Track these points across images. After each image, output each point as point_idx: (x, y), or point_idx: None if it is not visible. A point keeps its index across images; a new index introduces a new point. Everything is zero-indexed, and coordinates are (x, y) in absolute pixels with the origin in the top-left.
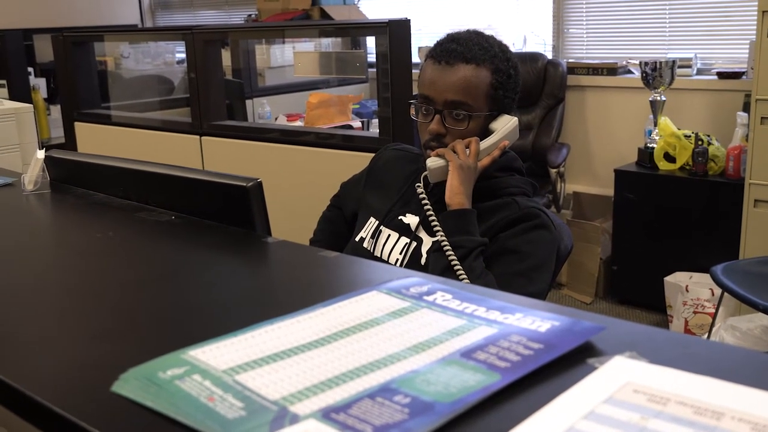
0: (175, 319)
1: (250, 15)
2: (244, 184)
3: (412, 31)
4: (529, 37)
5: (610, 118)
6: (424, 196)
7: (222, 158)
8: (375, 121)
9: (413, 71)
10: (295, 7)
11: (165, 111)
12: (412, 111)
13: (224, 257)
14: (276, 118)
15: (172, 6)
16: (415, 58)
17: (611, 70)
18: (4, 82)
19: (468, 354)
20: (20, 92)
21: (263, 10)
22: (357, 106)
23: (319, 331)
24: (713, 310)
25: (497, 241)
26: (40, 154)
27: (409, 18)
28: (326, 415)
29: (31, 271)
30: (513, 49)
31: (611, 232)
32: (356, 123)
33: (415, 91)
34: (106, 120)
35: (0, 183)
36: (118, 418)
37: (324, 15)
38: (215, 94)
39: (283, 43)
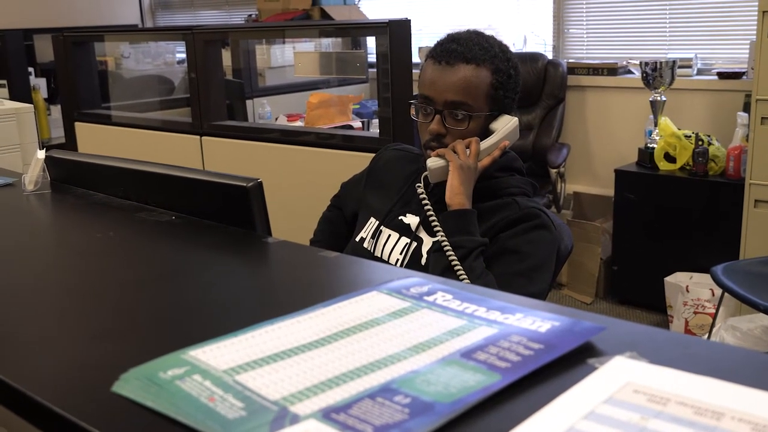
0: (175, 319)
1: (250, 15)
2: (245, 184)
3: (412, 32)
4: (529, 37)
5: (611, 118)
6: (424, 196)
7: (222, 158)
8: (375, 122)
9: (413, 71)
10: (296, 7)
11: (165, 111)
12: (413, 111)
13: (224, 257)
14: (276, 118)
15: (172, 6)
16: (416, 59)
17: (611, 70)
18: (4, 82)
19: (468, 354)
20: (20, 92)
21: (263, 10)
22: (357, 106)
23: (319, 331)
24: (713, 311)
25: (497, 241)
26: (41, 154)
27: (409, 18)
28: (326, 415)
29: (31, 271)
30: (513, 49)
31: (611, 232)
32: (356, 123)
33: (416, 92)
34: (107, 120)
35: (0, 183)
36: (119, 418)
37: (324, 15)
38: (215, 94)
39: (284, 43)
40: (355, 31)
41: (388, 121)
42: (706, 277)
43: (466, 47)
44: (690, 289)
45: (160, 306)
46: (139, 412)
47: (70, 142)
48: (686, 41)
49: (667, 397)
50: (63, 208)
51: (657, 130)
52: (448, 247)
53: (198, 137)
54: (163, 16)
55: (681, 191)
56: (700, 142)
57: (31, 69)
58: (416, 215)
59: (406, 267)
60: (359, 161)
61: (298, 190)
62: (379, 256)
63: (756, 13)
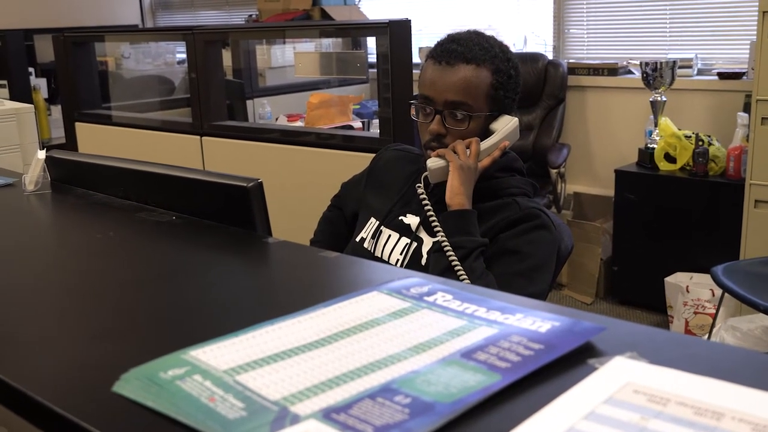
0: (175, 319)
1: (250, 15)
2: (245, 185)
3: (412, 32)
4: (529, 38)
5: (611, 118)
6: (424, 196)
7: (222, 158)
8: (375, 122)
9: (414, 72)
10: (296, 8)
11: (165, 111)
12: (413, 111)
13: (225, 257)
14: (276, 119)
15: (172, 6)
16: (416, 59)
17: (612, 70)
18: (4, 82)
19: (468, 354)
20: (21, 92)
21: (264, 10)
22: (357, 106)
23: (319, 331)
24: (714, 311)
25: (498, 241)
26: (41, 154)
27: (409, 18)
28: (327, 415)
29: (31, 271)
30: (513, 49)
31: (612, 232)
32: (357, 123)
33: (416, 92)
34: (107, 120)
35: (1, 183)
36: (119, 418)
37: (325, 15)
38: (216, 94)
39: (284, 43)
40: (356, 31)
41: (388, 122)
42: (706, 278)
43: (466, 47)
44: (690, 289)
45: (161, 306)
46: (140, 412)
47: (71, 143)
48: (686, 41)
49: (667, 397)
50: (63, 208)
51: (657, 131)
52: (449, 248)
53: (198, 137)
54: (163, 16)
55: (681, 191)
56: (700, 143)
57: (31, 69)
58: (416, 215)
59: (406, 267)
60: (359, 161)
61: (298, 190)
62: (379, 256)
63: (756, 13)
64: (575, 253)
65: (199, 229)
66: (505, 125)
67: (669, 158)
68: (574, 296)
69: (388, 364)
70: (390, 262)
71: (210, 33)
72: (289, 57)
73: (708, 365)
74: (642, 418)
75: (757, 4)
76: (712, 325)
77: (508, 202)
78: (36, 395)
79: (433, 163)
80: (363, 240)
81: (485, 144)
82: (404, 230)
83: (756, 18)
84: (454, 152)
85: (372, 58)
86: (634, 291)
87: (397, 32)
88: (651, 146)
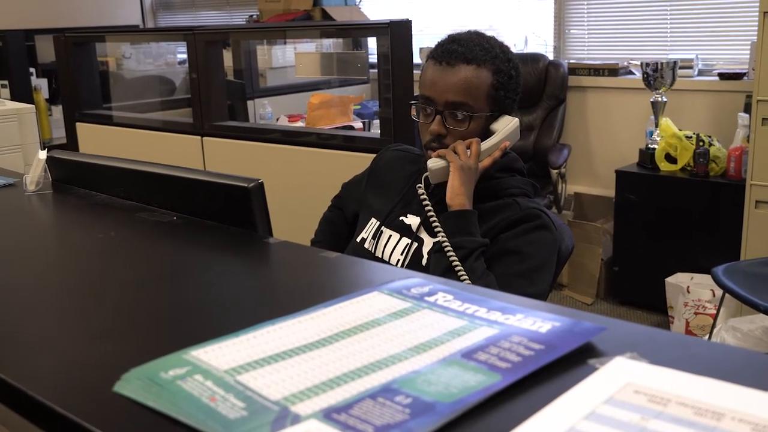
0: (176, 319)
1: (251, 15)
2: (246, 185)
3: (413, 32)
4: (530, 38)
5: (612, 118)
6: (425, 196)
7: (223, 159)
8: (376, 122)
9: (414, 72)
10: (297, 8)
11: (166, 111)
12: (413, 112)
13: (225, 258)
14: (277, 119)
15: (173, 6)
16: (417, 59)
17: (612, 70)
18: (5, 82)
19: (469, 354)
20: (22, 93)
21: (265, 10)
22: (358, 106)
23: (320, 331)
24: (714, 311)
25: (498, 241)
26: (42, 154)
27: (410, 19)
28: (328, 415)
29: (32, 271)
30: (514, 49)
31: (612, 233)
32: (357, 124)
33: (417, 92)
34: (108, 120)
35: (2, 183)
36: (120, 418)
37: (325, 16)
38: (217, 94)
39: (285, 43)
40: (356, 31)
41: (388, 122)
42: (706, 278)
43: (466, 48)
44: (691, 289)
45: (162, 306)
46: (141, 412)
47: (72, 143)
48: (687, 42)
49: (667, 397)
50: (64, 208)
51: (658, 131)
52: (449, 248)
53: (199, 138)
54: (164, 16)
55: (682, 192)
56: (701, 143)
57: (32, 69)
58: (417, 216)
59: (406, 267)
60: (360, 162)
61: (299, 190)
62: (379, 256)
63: (757, 13)
64: (576, 254)
65: (200, 229)
66: (506, 126)
67: (670, 159)
68: (575, 297)
69: (388, 364)
70: (390, 262)
71: (211, 33)
72: (290, 57)
73: (708, 366)
74: (642, 418)
75: (758, 4)
76: (713, 326)
77: (508, 202)
78: (37, 395)
79: (433, 163)
80: (364, 240)
81: (486, 144)
82: (405, 230)
83: (756, 18)
84: (455, 153)
85: (373, 58)
86: (634, 291)
87: (397, 33)
88: (652, 147)
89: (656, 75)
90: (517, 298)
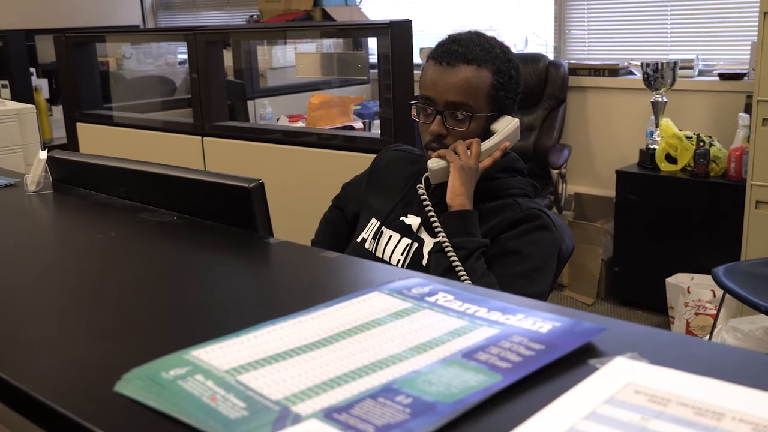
0: (177, 319)
1: (251, 16)
2: (246, 185)
3: (413, 32)
4: (530, 38)
5: (612, 119)
6: (425, 197)
7: (224, 159)
8: (376, 122)
9: (415, 72)
10: (297, 8)
11: (167, 112)
12: (414, 112)
13: (226, 258)
14: (278, 119)
15: (173, 6)
16: (417, 59)
17: (613, 71)
18: (6, 82)
19: (469, 354)
20: (22, 93)
21: (265, 10)
22: (359, 107)
23: (321, 331)
24: (715, 312)
25: (498, 242)
26: (43, 154)
27: (410, 19)
28: (328, 415)
29: (33, 271)
30: (514, 50)
31: (613, 233)
32: (358, 124)
33: (417, 92)
34: (108, 121)
35: (2, 183)
36: (121, 418)
37: (326, 16)
38: (217, 94)
39: (285, 44)
40: (357, 32)
41: (389, 122)
42: (707, 278)
43: (467, 48)
44: (691, 290)
45: (162, 306)
46: (141, 411)
47: (72, 143)
48: (687, 42)
49: (667, 397)
50: (65, 208)
51: (658, 131)
52: (450, 248)
53: (199, 138)
54: (164, 16)
55: (682, 192)
56: (701, 143)
57: (32, 69)
58: (417, 216)
59: (407, 268)
60: (360, 162)
61: (299, 190)
62: (380, 256)
63: (757, 14)
64: (576, 254)
65: (200, 229)
66: (506, 126)
67: (670, 159)
68: (575, 297)
69: (389, 364)
70: (391, 262)
71: (211, 33)
72: (291, 57)
73: (708, 366)
74: (643, 418)
75: (758, 4)
76: (713, 326)
77: (509, 202)
78: (37, 395)
79: (434, 163)
80: (364, 240)
81: (486, 145)
82: (405, 231)
83: (757, 19)
84: (455, 153)
85: (373, 58)
86: (635, 292)
87: (398, 33)
88: (652, 147)
89: (656, 75)
90: (517, 298)
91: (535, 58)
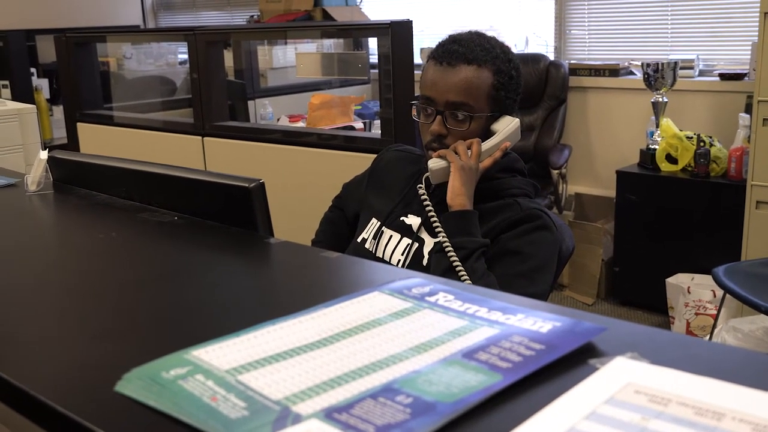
0: (177, 319)
1: (252, 16)
2: (247, 185)
3: (414, 33)
4: (531, 39)
5: (612, 119)
6: (425, 197)
7: (224, 159)
8: (377, 122)
9: (415, 72)
10: (298, 8)
11: (167, 112)
12: (414, 112)
13: (226, 258)
14: (278, 119)
15: (174, 7)
16: (417, 60)
17: (613, 71)
18: (6, 82)
19: (470, 354)
20: (23, 93)
21: (265, 11)
22: (359, 107)
23: (321, 331)
24: (715, 312)
25: (499, 242)
26: (43, 154)
27: (411, 19)
28: (329, 415)
29: (33, 271)
30: (515, 50)
31: (613, 233)
32: (358, 124)
33: (417, 92)
34: (109, 121)
35: (3, 183)
36: (121, 418)
37: (326, 16)
38: (217, 94)
39: (286, 44)
40: (357, 32)
41: (389, 122)
42: (707, 279)
43: (467, 48)
44: (691, 290)
45: (162, 306)
46: (142, 411)
47: (73, 143)
48: (688, 42)
49: (668, 397)
50: (65, 208)
51: (659, 132)
52: (450, 248)
53: (200, 138)
54: (165, 16)
55: (682, 192)
56: (701, 144)
57: (33, 70)
58: (418, 216)
59: (407, 268)
60: (361, 162)
61: (299, 190)
62: (380, 256)
63: (757, 14)
64: (576, 254)
65: (201, 229)
66: (507, 126)
67: (670, 159)
68: (576, 297)
69: (389, 364)
70: (391, 262)
71: (212, 33)
72: (291, 58)
73: (709, 366)
74: (643, 418)
75: (759, 5)
76: (714, 326)
77: (509, 202)
78: (38, 394)
79: (434, 163)
80: (364, 240)
81: (486, 145)
82: (405, 231)
83: (757, 19)
84: (456, 153)
85: (373, 58)
86: (635, 292)
87: (398, 33)
88: (652, 147)
89: (657, 75)
90: (517, 298)
91: (536, 58)
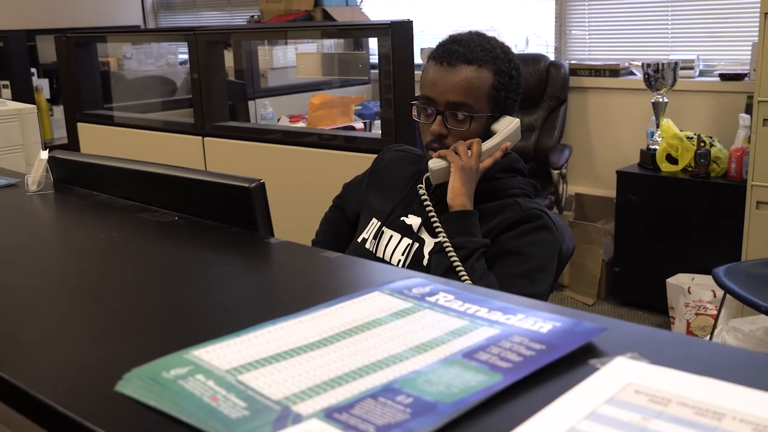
0: (177, 319)
1: (252, 16)
2: (247, 185)
3: (414, 33)
4: (531, 39)
5: (613, 119)
6: (426, 197)
7: (224, 159)
8: (377, 122)
9: (415, 72)
10: (298, 8)
11: (168, 112)
12: (414, 112)
13: (227, 258)
14: (278, 119)
15: (174, 7)
16: (418, 60)
17: (613, 71)
18: (7, 82)
19: (470, 354)
20: (23, 93)
21: (266, 11)
22: (359, 107)
23: (321, 331)
24: (715, 312)
25: (499, 242)
26: (44, 154)
27: (411, 19)
28: (329, 414)
29: (34, 272)
30: (515, 50)
31: (613, 233)
32: (358, 124)
33: (418, 93)
34: (109, 121)
35: (3, 183)
36: (121, 418)
37: (326, 16)
38: (218, 95)
39: (286, 44)
40: (358, 32)
41: (390, 122)
42: (707, 279)
43: (467, 48)
44: (692, 290)
45: (163, 306)
46: (142, 411)
47: (73, 143)
48: (688, 43)
49: (668, 397)
50: (66, 208)
51: (659, 132)
52: (450, 248)
53: (200, 138)
54: (165, 16)
55: (683, 193)
56: (702, 144)
57: (33, 70)
58: (418, 216)
59: (407, 268)
60: (361, 162)
61: (300, 190)
62: (380, 256)
63: (758, 14)
64: (577, 254)
65: (201, 229)
66: (507, 126)
67: (671, 159)
68: (576, 297)
69: (389, 364)
70: (392, 262)
71: (212, 34)
72: (291, 58)
73: (709, 366)
74: (643, 418)
75: (759, 5)
76: (714, 327)
77: (509, 202)
78: (38, 394)
79: (434, 163)
80: (365, 240)
81: (487, 145)
82: (406, 231)
83: (758, 19)
84: (456, 153)
85: (374, 59)
86: (635, 292)
87: (398, 33)
88: (653, 147)
89: (657, 76)
90: (517, 298)
91: (536, 59)
